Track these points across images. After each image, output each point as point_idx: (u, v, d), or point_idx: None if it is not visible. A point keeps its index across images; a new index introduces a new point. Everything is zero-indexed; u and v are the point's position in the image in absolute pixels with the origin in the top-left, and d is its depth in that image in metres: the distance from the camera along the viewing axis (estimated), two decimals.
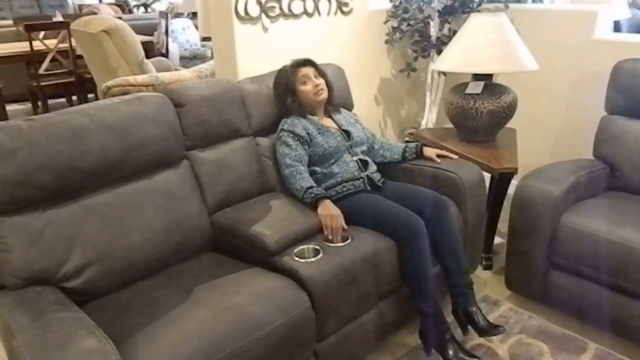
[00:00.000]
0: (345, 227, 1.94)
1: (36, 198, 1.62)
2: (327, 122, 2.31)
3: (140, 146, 1.82)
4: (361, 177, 2.18)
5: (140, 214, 1.81)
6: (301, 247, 1.84)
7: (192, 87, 2.07)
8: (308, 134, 2.18)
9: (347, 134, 2.26)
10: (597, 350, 2.07)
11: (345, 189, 2.14)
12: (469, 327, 2.02)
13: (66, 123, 1.66)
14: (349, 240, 1.87)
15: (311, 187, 2.03)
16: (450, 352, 1.88)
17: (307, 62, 2.31)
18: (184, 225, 1.91)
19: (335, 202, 2.03)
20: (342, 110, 2.45)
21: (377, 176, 2.24)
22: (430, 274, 1.93)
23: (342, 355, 1.85)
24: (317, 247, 1.83)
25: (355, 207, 2.04)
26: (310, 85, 2.24)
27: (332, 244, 1.86)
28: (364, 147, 2.34)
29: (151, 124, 1.85)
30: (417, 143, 2.55)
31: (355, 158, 2.23)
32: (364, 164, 2.24)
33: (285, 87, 2.25)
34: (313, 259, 1.77)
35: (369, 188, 2.17)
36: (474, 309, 2.01)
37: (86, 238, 1.68)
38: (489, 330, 1.98)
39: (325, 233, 1.91)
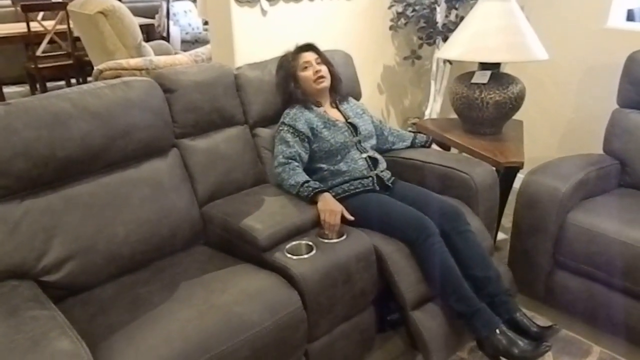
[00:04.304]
0: (351, 217, 1.86)
1: (13, 187, 1.53)
2: (334, 113, 2.19)
3: (126, 133, 1.73)
4: (370, 176, 2.07)
5: (126, 205, 1.73)
6: (294, 242, 1.75)
7: (183, 72, 1.97)
8: (312, 128, 2.06)
9: (354, 127, 2.15)
10: (602, 354, 1.99)
11: (352, 187, 2.04)
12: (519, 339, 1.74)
13: (45, 108, 1.57)
14: (344, 237, 1.78)
15: (307, 181, 1.94)
16: (503, 343, 1.69)
17: (309, 47, 2.19)
18: (172, 218, 1.82)
19: (341, 200, 1.94)
20: (351, 99, 2.33)
21: (386, 175, 2.12)
22: (455, 272, 1.78)
23: (335, 356, 1.77)
24: (311, 243, 1.74)
25: (362, 206, 1.94)
26: (311, 72, 2.12)
27: (326, 240, 1.77)
28: (373, 141, 2.22)
29: (137, 110, 1.75)
30: (429, 136, 2.45)
31: (364, 155, 2.11)
32: (373, 162, 2.12)
33: (286, 73, 2.15)
34: (306, 256, 1.68)
35: (377, 188, 2.05)
36: (519, 315, 1.81)
37: (67, 230, 1.60)
38: (544, 333, 1.77)
39: (322, 229, 1.82)
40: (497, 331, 1.71)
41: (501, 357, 1.73)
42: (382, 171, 2.12)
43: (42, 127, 1.54)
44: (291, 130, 2.05)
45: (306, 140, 2.05)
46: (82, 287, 1.62)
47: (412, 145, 2.40)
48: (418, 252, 1.81)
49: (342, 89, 2.26)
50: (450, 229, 1.87)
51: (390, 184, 2.10)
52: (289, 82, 2.14)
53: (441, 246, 1.80)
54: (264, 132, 2.20)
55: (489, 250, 2.01)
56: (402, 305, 1.79)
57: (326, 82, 2.15)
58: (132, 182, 1.76)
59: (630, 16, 2.95)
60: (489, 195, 2.12)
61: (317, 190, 1.90)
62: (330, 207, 1.85)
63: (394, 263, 1.79)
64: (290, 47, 2.23)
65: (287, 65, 2.15)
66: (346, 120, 2.18)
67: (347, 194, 2.02)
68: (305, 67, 2.13)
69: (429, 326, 1.78)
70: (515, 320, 1.80)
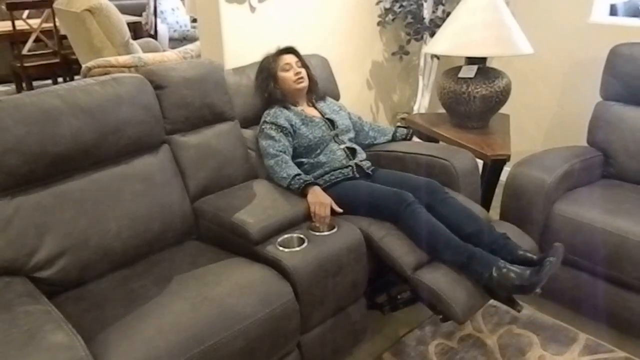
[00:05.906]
0: (339, 210, 1.89)
1: (4, 184, 1.53)
2: (311, 111, 2.28)
3: (117, 129, 1.73)
4: (350, 165, 2.13)
5: (118, 201, 1.73)
6: (286, 235, 1.77)
7: (173, 68, 1.98)
8: (292, 125, 2.14)
9: (331, 122, 2.23)
10: (588, 341, 2.04)
11: (333, 177, 2.09)
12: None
13: (35, 105, 1.56)
14: (335, 229, 1.81)
15: (299, 174, 1.98)
16: (508, 277, 1.65)
17: (290, 50, 2.28)
18: (164, 213, 1.83)
19: (324, 190, 1.97)
20: (328, 98, 2.41)
21: (366, 164, 2.19)
22: (442, 227, 1.79)
23: (327, 347, 1.80)
24: (302, 235, 1.76)
25: (345, 193, 1.99)
26: (292, 73, 2.21)
27: (318, 233, 1.79)
28: (351, 135, 2.30)
29: (128, 107, 1.76)
30: (409, 129, 2.50)
31: (342, 146, 2.18)
32: (351, 152, 2.19)
33: (267, 74, 2.23)
34: (297, 249, 1.70)
35: (358, 176, 2.11)
36: (521, 251, 1.78)
37: (59, 226, 1.60)
38: (547, 254, 1.70)
39: (313, 221, 1.85)
40: (497, 269, 1.68)
41: (515, 299, 1.72)
42: (361, 160, 2.18)
43: (33, 123, 1.54)
44: (274, 127, 2.12)
45: (289, 134, 2.12)
46: (75, 283, 1.62)
47: (394, 139, 2.46)
48: (403, 222, 1.85)
49: (318, 90, 2.35)
50: (431, 201, 1.93)
51: (370, 172, 2.16)
52: (269, 82, 2.22)
53: (422, 209, 1.85)
54: (245, 132, 2.24)
55: (487, 219, 2.01)
56: (401, 274, 1.78)
57: (305, 83, 2.24)
58: (124, 178, 1.77)
59: (613, 11, 3.00)
60: (470, 179, 2.17)
61: (307, 182, 1.94)
62: (320, 199, 1.88)
63: (381, 238, 1.83)
64: (272, 49, 2.30)
65: (268, 66, 2.24)
66: (323, 116, 2.25)
67: (328, 184, 2.07)
68: (286, 69, 2.22)
69: (433, 278, 1.73)
70: (519, 257, 1.77)
